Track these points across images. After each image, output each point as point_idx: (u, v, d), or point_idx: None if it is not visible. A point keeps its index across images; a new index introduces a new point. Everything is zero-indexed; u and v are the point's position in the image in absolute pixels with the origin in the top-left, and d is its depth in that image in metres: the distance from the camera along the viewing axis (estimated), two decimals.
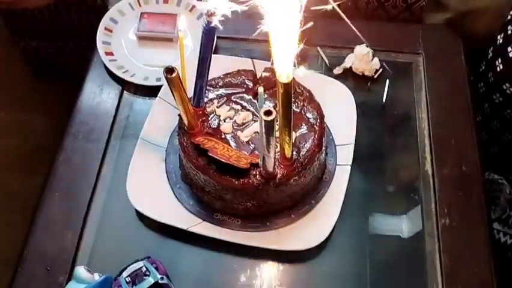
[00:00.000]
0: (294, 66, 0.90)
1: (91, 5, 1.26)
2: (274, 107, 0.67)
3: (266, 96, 0.77)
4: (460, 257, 0.73)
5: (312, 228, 0.74)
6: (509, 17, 0.97)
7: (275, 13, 0.49)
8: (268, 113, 0.55)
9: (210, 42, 0.67)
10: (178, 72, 0.61)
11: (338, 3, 0.57)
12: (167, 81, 0.62)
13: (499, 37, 0.96)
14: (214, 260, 0.75)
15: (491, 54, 0.99)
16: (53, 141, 0.88)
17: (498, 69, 0.94)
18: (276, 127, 0.62)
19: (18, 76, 1.52)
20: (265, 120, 0.56)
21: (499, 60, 0.94)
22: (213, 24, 0.62)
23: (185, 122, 0.70)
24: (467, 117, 0.85)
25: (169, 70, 0.61)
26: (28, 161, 1.35)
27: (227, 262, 0.74)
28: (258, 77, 0.81)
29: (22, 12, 1.31)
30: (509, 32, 0.93)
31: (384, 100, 0.88)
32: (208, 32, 0.64)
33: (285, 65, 0.53)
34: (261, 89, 0.62)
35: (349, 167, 0.77)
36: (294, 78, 0.80)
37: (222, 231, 0.73)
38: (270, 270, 0.74)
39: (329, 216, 0.74)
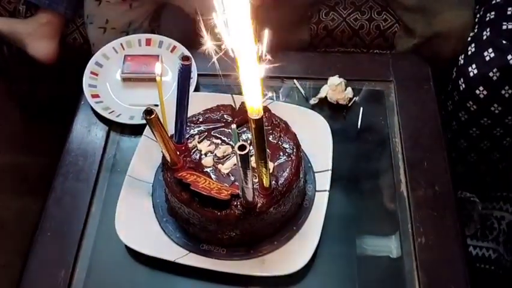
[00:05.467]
0: (272, 99, 0.95)
1: (78, 48, 1.31)
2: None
3: (245, 128, 0.81)
4: (437, 274, 0.76)
5: (295, 253, 0.77)
6: (469, 39, 1.02)
7: (241, 55, 0.53)
8: (242, 147, 0.59)
9: (186, 82, 0.71)
10: (156, 114, 0.65)
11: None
12: (147, 122, 0.66)
13: (460, 58, 1.01)
14: None
15: (454, 74, 1.04)
16: (46, 182, 0.91)
17: (461, 88, 0.99)
18: (253, 159, 0.67)
19: (10, 118, 1.55)
20: (239, 155, 0.59)
21: (461, 80, 0.99)
22: (187, 63, 0.67)
23: (168, 158, 0.74)
24: (437, 139, 0.89)
25: (148, 112, 0.65)
26: (22, 202, 1.38)
27: None
28: (236, 111, 0.85)
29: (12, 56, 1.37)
30: (469, 53, 0.99)
31: (359, 127, 0.93)
32: (184, 73, 0.69)
33: (255, 102, 0.57)
34: (233, 126, 0.66)
35: (327, 193, 0.81)
36: (269, 111, 0.85)
37: (208, 261, 0.76)
38: None
39: (310, 241, 0.77)
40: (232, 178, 0.75)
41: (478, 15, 1.06)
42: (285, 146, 0.79)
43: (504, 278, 0.92)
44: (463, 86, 0.97)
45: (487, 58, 0.94)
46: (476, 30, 1.03)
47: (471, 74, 0.95)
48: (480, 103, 0.97)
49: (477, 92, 0.95)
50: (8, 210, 1.27)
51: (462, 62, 0.99)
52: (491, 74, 0.93)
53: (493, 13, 1.01)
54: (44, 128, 1.45)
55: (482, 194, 1.03)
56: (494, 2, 1.04)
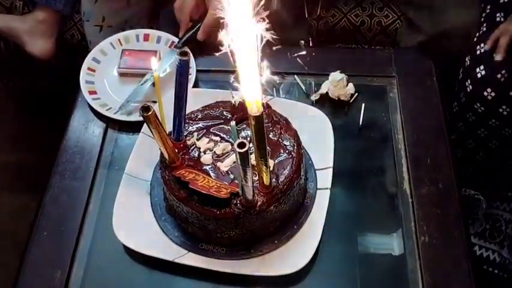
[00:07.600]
0: (272, 95, 0.94)
1: (76, 44, 1.30)
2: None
3: (244, 125, 0.80)
4: (441, 273, 0.75)
5: (295, 252, 0.75)
6: (475, 39, 1.00)
7: (241, 50, 0.52)
8: (241, 145, 0.58)
9: (184, 78, 0.69)
10: (154, 110, 0.64)
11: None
12: (144, 119, 0.64)
13: (467, 59, 0.99)
14: None
15: (461, 75, 1.02)
16: (44, 179, 0.90)
17: (468, 89, 0.97)
18: (253, 157, 0.65)
19: (8, 115, 1.54)
20: (239, 152, 0.58)
21: (469, 81, 0.97)
22: (185, 59, 0.65)
23: (166, 156, 0.72)
24: (441, 135, 0.88)
25: (145, 109, 0.63)
26: (19, 200, 1.37)
27: None
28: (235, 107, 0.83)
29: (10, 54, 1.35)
30: (478, 53, 0.97)
31: (360, 123, 0.91)
32: (182, 68, 0.67)
33: (254, 99, 0.56)
34: (233, 123, 0.65)
35: (329, 190, 0.80)
36: (270, 107, 0.83)
37: (208, 261, 0.75)
38: None
39: (311, 239, 0.76)
40: (232, 176, 0.74)
41: (483, 14, 1.04)
42: (286, 143, 0.77)
43: (508, 282, 0.90)
44: (470, 87, 0.96)
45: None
46: (482, 30, 1.01)
47: (478, 76, 0.94)
48: (488, 104, 0.96)
49: (485, 93, 0.94)
50: (4, 208, 1.26)
51: (469, 63, 0.98)
52: (499, 75, 0.91)
53: (502, 14, 0.98)
54: (41, 125, 1.44)
55: (491, 192, 1.01)
56: (502, 1, 1.02)
